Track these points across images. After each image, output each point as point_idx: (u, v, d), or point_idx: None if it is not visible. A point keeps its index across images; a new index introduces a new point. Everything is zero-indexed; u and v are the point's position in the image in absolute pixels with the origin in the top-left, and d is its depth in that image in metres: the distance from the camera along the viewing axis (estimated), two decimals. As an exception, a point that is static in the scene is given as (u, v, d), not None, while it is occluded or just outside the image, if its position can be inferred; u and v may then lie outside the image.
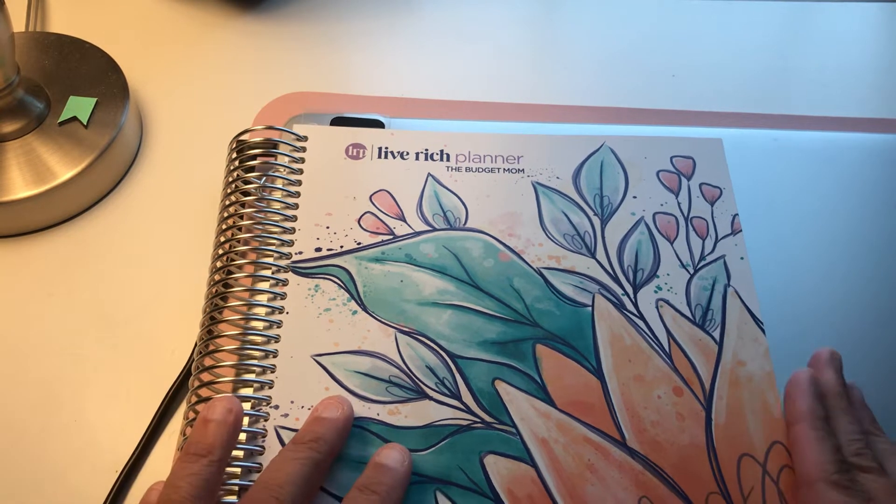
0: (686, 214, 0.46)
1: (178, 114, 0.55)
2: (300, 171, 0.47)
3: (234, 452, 0.38)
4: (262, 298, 0.42)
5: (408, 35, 0.61)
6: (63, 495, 0.40)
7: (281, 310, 0.42)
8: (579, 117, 0.55)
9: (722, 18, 0.63)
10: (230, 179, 0.46)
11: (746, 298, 0.43)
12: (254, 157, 0.47)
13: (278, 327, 0.41)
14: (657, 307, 0.43)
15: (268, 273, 0.43)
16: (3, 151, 0.48)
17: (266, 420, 0.39)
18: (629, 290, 0.43)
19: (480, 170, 0.48)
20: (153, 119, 0.55)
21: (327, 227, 0.45)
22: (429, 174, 0.47)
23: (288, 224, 0.45)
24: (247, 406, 0.39)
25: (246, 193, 0.46)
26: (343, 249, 0.44)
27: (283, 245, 0.44)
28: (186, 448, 0.36)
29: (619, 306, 0.43)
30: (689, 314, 0.43)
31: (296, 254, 0.44)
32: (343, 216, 0.45)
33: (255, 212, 0.45)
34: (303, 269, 0.43)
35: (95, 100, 0.51)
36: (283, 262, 0.43)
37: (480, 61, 0.59)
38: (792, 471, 0.38)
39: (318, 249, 0.44)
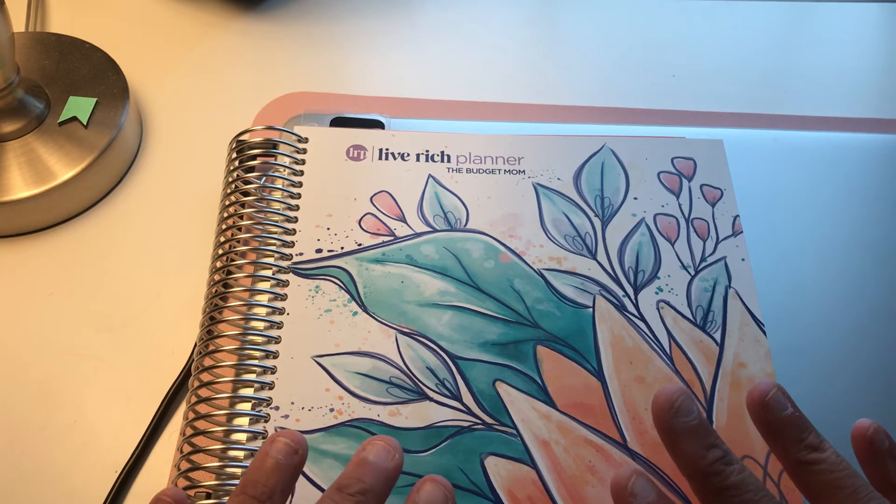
0: (687, 216, 0.46)
1: (178, 114, 0.55)
2: (301, 173, 0.47)
3: (233, 453, 0.38)
4: (263, 299, 0.42)
5: (408, 35, 0.61)
6: (63, 495, 0.40)
7: (281, 310, 0.42)
8: (580, 117, 0.55)
9: (722, 19, 0.63)
10: (230, 180, 0.46)
11: (747, 300, 0.43)
12: (254, 158, 0.47)
13: (279, 328, 0.41)
14: (658, 308, 0.43)
15: (268, 273, 0.43)
16: (3, 151, 0.48)
17: (266, 421, 0.39)
18: (630, 291, 0.43)
19: (481, 171, 0.48)
20: (153, 119, 0.55)
21: (328, 229, 0.45)
22: (429, 175, 0.47)
23: (289, 225, 0.45)
24: (246, 407, 0.39)
25: (246, 194, 0.45)
26: (344, 250, 0.44)
27: (283, 246, 0.44)
28: (244, 487, 0.31)
29: (620, 308, 0.43)
30: (689, 315, 0.43)
31: (296, 255, 0.44)
32: (344, 217, 0.45)
33: (256, 212, 0.45)
34: (303, 270, 0.43)
35: (95, 100, 0.51)
36: (284, 263, 0.43)
37: (480, 61, 0.59)
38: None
39: (319, 250, 0.44)
